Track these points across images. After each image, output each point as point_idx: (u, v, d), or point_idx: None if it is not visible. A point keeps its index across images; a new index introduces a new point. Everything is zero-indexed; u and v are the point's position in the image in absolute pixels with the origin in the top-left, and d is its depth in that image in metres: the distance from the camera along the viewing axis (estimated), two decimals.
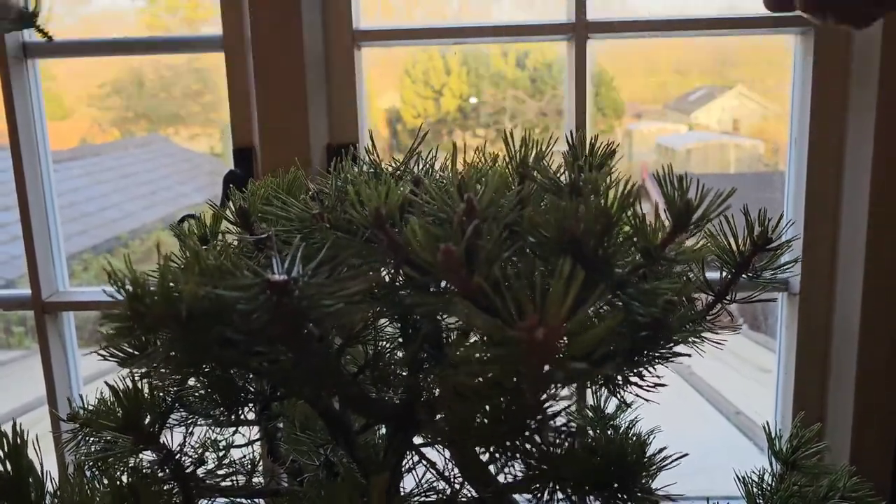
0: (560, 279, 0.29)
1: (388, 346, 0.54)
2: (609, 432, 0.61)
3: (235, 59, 1.14)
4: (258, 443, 0.66)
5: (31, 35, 1.19)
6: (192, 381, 0.55)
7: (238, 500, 0.60)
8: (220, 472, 0.61)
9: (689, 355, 0.48)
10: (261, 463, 0.65)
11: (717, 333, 0.52)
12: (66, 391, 1.27)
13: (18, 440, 0.44)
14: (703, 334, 0.51)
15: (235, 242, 0.53)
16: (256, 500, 0.62)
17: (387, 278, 0.48)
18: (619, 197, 0.41)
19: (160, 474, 0.54)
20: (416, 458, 0.56)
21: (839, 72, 1.12)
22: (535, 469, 0.44)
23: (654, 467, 0.51)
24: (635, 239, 0.43)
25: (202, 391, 0.55)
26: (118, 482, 0.49)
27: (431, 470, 0.56)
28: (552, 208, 0.41)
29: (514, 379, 0.32)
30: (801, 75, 1.16)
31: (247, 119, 1.15)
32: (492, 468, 0.47)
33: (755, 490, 0.63)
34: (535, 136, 0.54)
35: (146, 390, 0.51)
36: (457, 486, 0.55)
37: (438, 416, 0.46)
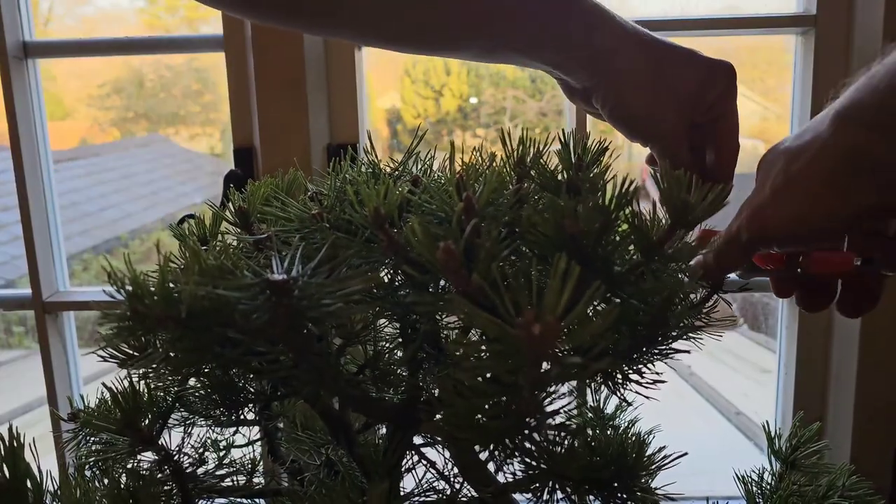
0: (556, 275, 0.29)
1: (387, 345, 0.54)
2: (609, 432, 0.61)
3: (235, 59, 1.14)
4: (258, 443, 0.66)
5: (31, 35, 1.19)
6: (192, 382, 0.55)
7: (238, 500, 0.60)
8: (220, 472, 0.61)
9: (689, 351, 0.48)
10: (261, 463, 0.65)
11: (713, 328, 0.52)
12: (66, 391, 1.27)
13: (15, 443, 0.44)
14: (700, 328, 0.51)
15: (235, 243, 0.53)
16: (257, 500, 0.62)
17: (386, 278, 0.48)
18: (617, 195, 0.41)
19: (159, 475, 0.54)
20: (416, 458, 0.56)
21: (839, 72, 1.12)
22: (534, 468, 0.44)
23: (654, 466, 0.51)
24: (633, 237, 0.43)
25: (202, 391, 0.55)
26: (117, 484, 0.49)
27: (431, 470, 0.56)
28: (550, 207, 0.41)
29: (513, 376, 0.32)
30: (801, 75, 1.16)
31: (247, 119, 1.15)
32: (491, 466, 0.47)
33: (755, 489, 0.63)
34: (533, 135, 0.54)
35: (144, 391, 0.51)
36: (457, 486, 0.55)
37: (438, 416, 0.46)
